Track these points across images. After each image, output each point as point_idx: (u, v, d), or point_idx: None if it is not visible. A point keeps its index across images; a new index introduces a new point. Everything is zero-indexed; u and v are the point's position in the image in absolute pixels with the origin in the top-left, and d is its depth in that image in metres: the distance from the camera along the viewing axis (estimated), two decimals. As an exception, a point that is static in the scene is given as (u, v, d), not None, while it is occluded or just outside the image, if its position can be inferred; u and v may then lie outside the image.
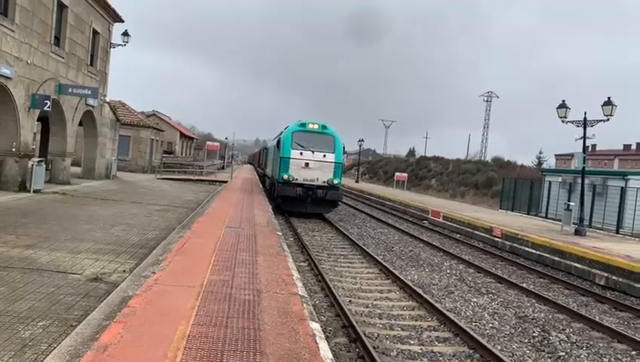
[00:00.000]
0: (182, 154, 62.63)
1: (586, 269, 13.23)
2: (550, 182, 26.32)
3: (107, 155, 27.81)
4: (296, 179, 20.26)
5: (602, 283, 12.48)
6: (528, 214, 26.82)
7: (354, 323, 7.31)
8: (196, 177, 37.79)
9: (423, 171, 57.99)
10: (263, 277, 7.58)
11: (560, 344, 7.78)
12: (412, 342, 7.20)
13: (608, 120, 17.90)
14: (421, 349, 6.95)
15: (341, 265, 12.18)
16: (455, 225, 21.61)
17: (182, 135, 64.17)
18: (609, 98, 17.83)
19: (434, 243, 16.83)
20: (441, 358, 6.71)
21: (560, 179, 26.10)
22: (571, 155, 26.74)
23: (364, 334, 7.02)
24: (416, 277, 11.64)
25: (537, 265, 14.74)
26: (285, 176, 20.22)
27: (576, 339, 8.07)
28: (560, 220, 20.76)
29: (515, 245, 16.90)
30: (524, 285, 11.66)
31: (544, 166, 54.38)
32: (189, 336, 4.87)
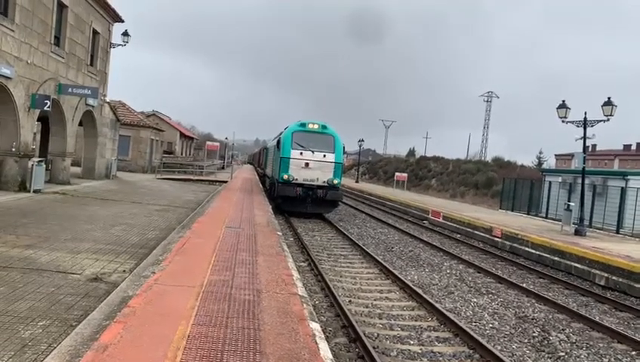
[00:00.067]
0: (182, 154, 62.64)
1: (586, 269, 13.23)
2: (550, 182, 26.32)
3: (107, 155, 27.82)
4: (296, 179, 20.26)
5: (602, 283, 12.48)
6: (528, 214, 26.82)
7: (354, 323, 7.31)
8: (196, 177, 37.80)
9: (423, 171, 57.99)
10: (263, 277, 7.58)
11: (560, 344, 7.78)
12: (412, 342, 7.20)
13: (608, 120, 17.90)
14: (421, 349, 6.95)
15: (341, 265, 12.18)
16: (455, 225, 21.61)
17: (182, 135, 64.19)
18: (609, 98, 17.83)
19: (434, 244, 16.83)
20: (441, 358, 6.71)
21: (560, 179, 26.10)
22: (571, 155, 26.76)
23: (364, 334, 7.02)
24: (416, 277, 11.64)
25: (537, 265, 14.74)
26: (285, 176, 20.22)
27: (576, 339, 8.07)
28: (560, 220, 20.76)
29: (515, 245, 16.90)
30: (524, 285, 11.66)
31: (544, 166, 54.39)
32: (189, 336, 4.87)
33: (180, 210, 17.57)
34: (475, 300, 10.02)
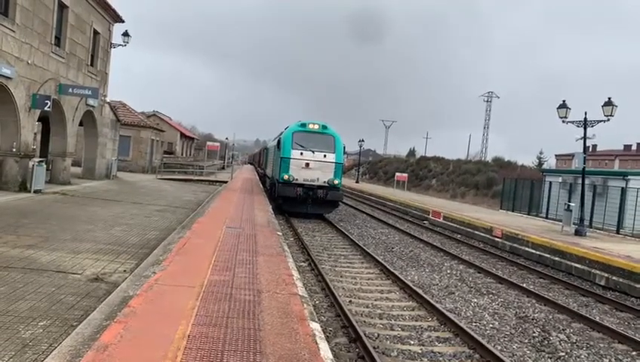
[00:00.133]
0: (182, 154, 62.69)
1: (586, 269, 13.23)
2: (550, 183, 26.32)
3: (107, 155, 27.83)
4: (297, 180, 20.26)
5: (602, 283, 12.48)
6: (529, 214, 26.82)
7: (354, 323, 7.31)
8: (196, 177, 37.84)
9: (423, 171, 58.00)
10: (263, 278, 7.58)
11: (560, 344, 7.78)
12: (412, 342, 7.20)
13: (609, 120, 17.91)
14: (421, 349, 6.95)
15: (341, 266, 12.18)
16: (455, 225, 21.61)
17: (182, 135, 64.24)
18: (609, 98, 17.84)
19: (434, 244, 16.83)
20: (441, 358, 6.71)
21: (560, 180, 26.10)
22: (572, 155, 26.76)
23: (365, 334, 7.02)
24: (416, 277, 11.64)
25: (538, 266, 14.74)
26: (286, 177, 20.22)
27: (576, 340, 8.07)
28: (560, 220, 20.76)
29: (515, 245, 16.90)
30: (524, 285, 11.65)
31: (544, 166, 54.34)
32: (189, 336, 4.87)
33: (181, 210, 17.57)
34: (475, 300, 10.02)
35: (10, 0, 16.10)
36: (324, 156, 20.54)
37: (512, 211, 28.51)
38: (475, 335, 7.35)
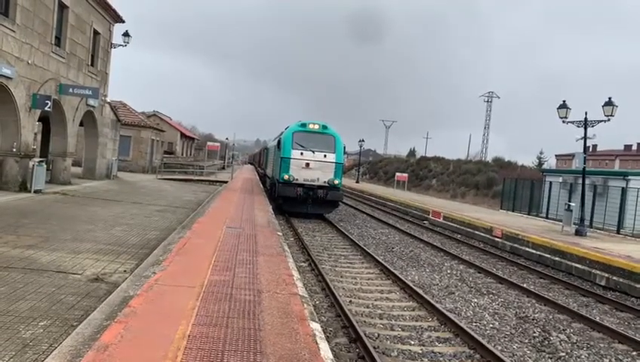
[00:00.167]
0: (182, 154, 62.69)
1: (586, 270, 13.22)
2: (551, 183, 26.31)
3: (108, 155, 27.84)
4: (297, 180, 20.25)
5: (603, 283, 12.48)
6: (529, 214, 26.81)
7: (354, 323, 7.31)
8: (197, 177, 37.84)
9: (423, 171, 58.01)
10: (264, 278, 7.58)
11: (560, 344, 7.78)
12: (412, 343, 7.20)
13: (609, 120, 17.91)
14: (421, 349, 6.95)
15: (341, 266, 12.18)
16: (456, 225, 21.61)
17: (182, 135, 64.25)
18: (610, 98, 17.83)
19: (434, 244, 16.82)
20: (441, 358, 6.71)
21: (561, 180, 26.09)
22: (572, 156, 26.75)
23: (365, 334, 7.02)
24: (416, 277, 11.64)
25: (538, 266, 14.73)
26: (286, 177, 20.21)
27: (576, 340, 8.07)
28: (561, 221, 20.76)
29: (515, 245, 16.90)
30: (524, 285, 11.65)
31: (545, 166, 54.35)
32: (189, 336, 4.87)
33: (181, 210, 17.58)
34: (475, 300, 10.02)
35: (10, 0, 16.11)
36: (325, 156, 20.53)
37: (513, 211, 28.50)
38: (476, 336, 7.35)
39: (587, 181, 19.87)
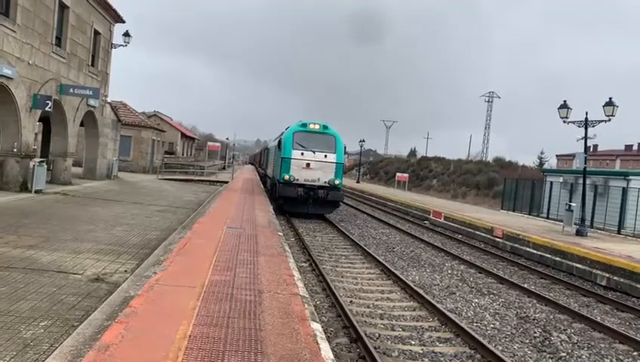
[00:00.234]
0: (183, 154, 62.70)
1: (587, 270, 13.21)
2: (551, 183, 26.30)
3: (108, 156, 27.85)
4: (298, 180, 20.25)
5: (604, 283, 12.47)
6: (530, 215, 26.80)
7: (355, 323, 7.30)
8: (197, 178, 37.85)
9: (424, 171, 57.99)
10: (264, 278, 7.58)
11: (561, 344, 7.77)
12: (413, 343, 7.20)
13: (610, 120, 17.90)
14: (422, 350, 6.95)
15: (342, 266, 12.17)
16: (456, 225, 21.60)
17: (183, 135, 64.25)
18: (610, 98, 17.83)
19: (435, 244, 16.82)
20: (442, 359, 6.71)
21: (561, 180, 26.08)
22: (573, 156, 26.71)
23: (365, 334, 7.02)
24: (417, 277, 11.63)
25: (539, 266, 14.73)
26: (286, 177, 20.21)
27: (577, 340, 8.06)
28: (561, 221, 20.75)
29: (516, 245, 16.89)
30: (525, 286, 11.64)
31: (545, 166, 54.37)
32: (190, 336, 4.87)
33: (181, 210, 17.58)
34: (476, 300, 10.01)
35: (11, 0, 16.11)
36: (325, 156, 20.53)
37: (513, 211, 28.49)
38: (476, 336, 7.34)
39: (588, 181, 19.86)
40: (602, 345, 7.93)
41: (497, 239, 18.09)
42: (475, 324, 8.38)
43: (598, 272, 12.78)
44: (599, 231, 20.59)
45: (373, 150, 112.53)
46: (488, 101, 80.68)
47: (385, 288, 10.31)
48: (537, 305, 10.15)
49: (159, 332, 4.89)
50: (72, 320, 5.69)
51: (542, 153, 62.66)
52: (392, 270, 11.56)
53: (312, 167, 20.37)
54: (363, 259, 13.25)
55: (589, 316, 9.35)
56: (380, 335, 7.39)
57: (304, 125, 21.07)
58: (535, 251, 15.74)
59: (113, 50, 27.15)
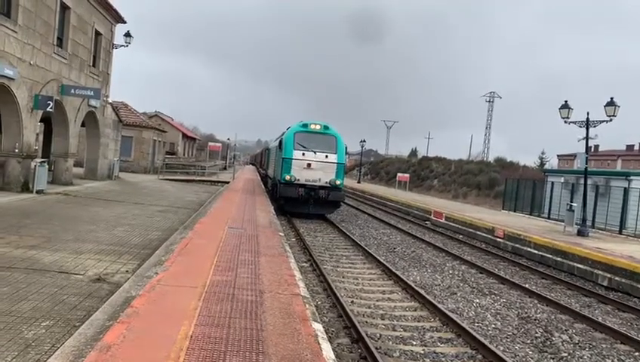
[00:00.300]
0: (184, 155, 62.75)
1: (588, 270, 13.21)
2: (553, 183, 26.29)
3: (109, 156, 27.87)
4: (299, 180, 20.25)
5: (605, 284, 12.46)
6: (531, 215, 26.78)
7: (356, 323, 7.31)
8: (198, 178, 37.89)
9: (425, 172, 57.95)
10: (266, 278, 7.58)
11: (563, 345, 7.77)
12: (414, 343, 7.20)
13: (611, 120, 17.89)
14: (423, 350, 6.95)
15: (343, 266, 12.17)
16: (457, 225, 21.59)
17: (184, 136, 64.30)
18: (612, 98, 17.82)
19: (436, 244, 16.81)
20: (443, 359, 6.71)
21: (562, 180, 26.07)
22: (574, 156, 26.72)
23: (367, 335, 7.02)
24: (418, 278, 11.63)
25: (540, 266, 14.72)
26: (287, 177, 20.22)
27: (579, 340, 8.06)
28: (562, 221, 20.74)
29: (517, 246, 16.88)
30: (526, 286, 11.64)
31: (546, 166, 54.35)
32: (191, 337, 4.88)
33: (183, 210, 17.59)
34: (477, 301, 10.01)
35: (12, 1, 16.14)
36: (326, 156, 20.53)
37: (514, 211, 28.47)
38: (478, 336, 7.34)
39: (589, 181, 19.85)
40: (604, 346, 7.92)
41: (498, 239, 18.08)
42: (476, 324, 8.37)
43: (600, 272, 12.77)
44: (600, 231, 20.57)
45: (374, 150, 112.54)
46: (489, 101, 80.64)
47: (386, 288, 10.31)
48: (539, 305, 10.14)
49: (161, 333, 4.90)
50: (74, 321, 5.69)
51: (543, 153, 62.76)
52: (393, 270, 11.56)
53: (313, 168, 20.37)
54: (364, 260, 13.25)
55: (590, 316, 9.34)
56: (381, 335, 7.39)
57: (305, 125, 21.07)
58: (536, 251, 15.73)
59: (114, 50, 27.19)
